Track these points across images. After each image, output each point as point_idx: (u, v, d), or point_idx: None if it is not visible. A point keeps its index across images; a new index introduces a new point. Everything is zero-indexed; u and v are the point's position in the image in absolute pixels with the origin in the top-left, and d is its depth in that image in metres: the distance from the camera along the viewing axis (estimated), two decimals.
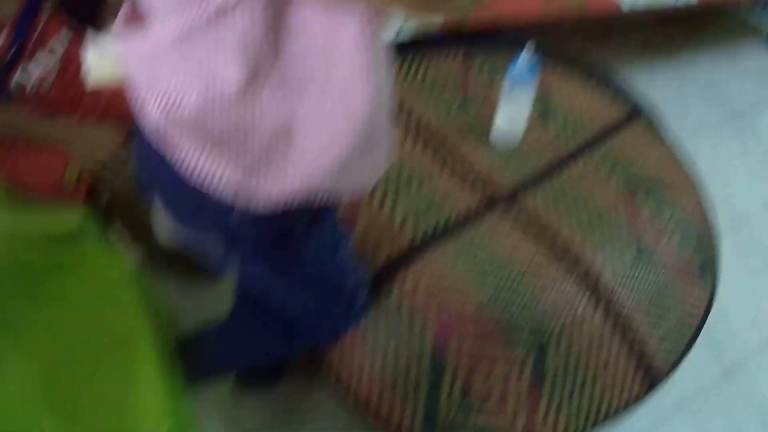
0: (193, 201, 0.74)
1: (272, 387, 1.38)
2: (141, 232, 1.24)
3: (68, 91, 1.19)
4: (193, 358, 1.12)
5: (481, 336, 1.11)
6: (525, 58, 1.21)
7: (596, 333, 1.15)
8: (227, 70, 0.61)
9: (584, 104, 1.47)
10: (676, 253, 1.27)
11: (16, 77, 1.16)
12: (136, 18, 0.70)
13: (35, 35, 1.14)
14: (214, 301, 1.30)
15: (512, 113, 1.30)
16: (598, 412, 1.13)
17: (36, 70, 1.16)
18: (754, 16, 2.79)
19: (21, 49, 1.14)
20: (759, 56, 2.56)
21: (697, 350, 1.25)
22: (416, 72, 1.48)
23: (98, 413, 0.96)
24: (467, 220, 1.23)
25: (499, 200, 1.26)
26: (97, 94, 1.20)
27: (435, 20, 1.57)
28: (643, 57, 2.39)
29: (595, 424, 1.13)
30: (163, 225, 0.86)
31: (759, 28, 2.70)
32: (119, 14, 0.73)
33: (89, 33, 1.13)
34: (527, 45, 1.22)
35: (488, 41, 1.57)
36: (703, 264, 1.30)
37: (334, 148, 0.68)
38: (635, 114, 1.50)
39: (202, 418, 1.13)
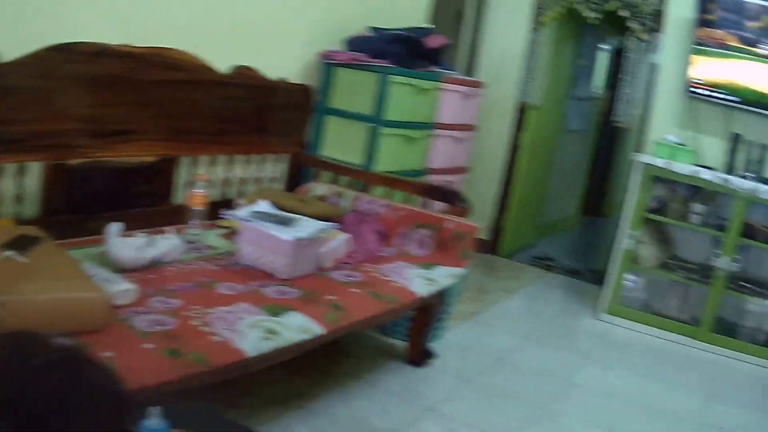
0: None
1: None
2: None
3: None
4: None
5: None
6: (153, 423, 1.10)
7: None
8: None
9: None
10: None
11: None
12: None
13: None
14: None
15: None
16: None
17: None
18: (388, 337, 2.98)
19: None
20: (401, 374, 2.76)
21: None
22: None
23: None
24: None
25: None
26: None
27: None
28: (277, 411, 2.25)
29: None
30: None
31: (395, 347, 2.97)
32: None
33: None
34: (153, 410, 1.10)
35: None
36: None
37: None
38: None
39: None
